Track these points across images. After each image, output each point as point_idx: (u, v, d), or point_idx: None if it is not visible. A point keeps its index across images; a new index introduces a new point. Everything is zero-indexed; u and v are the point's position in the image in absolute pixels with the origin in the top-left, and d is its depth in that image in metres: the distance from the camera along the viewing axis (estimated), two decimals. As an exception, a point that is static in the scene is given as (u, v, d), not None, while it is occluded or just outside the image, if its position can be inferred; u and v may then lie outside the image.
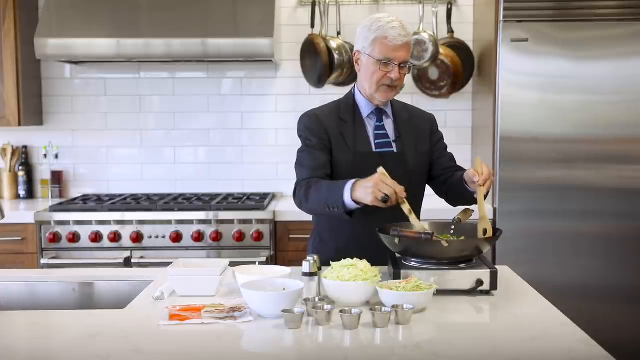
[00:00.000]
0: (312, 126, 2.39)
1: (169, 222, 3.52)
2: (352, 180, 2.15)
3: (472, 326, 1.81)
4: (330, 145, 2.37)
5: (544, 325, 1.74)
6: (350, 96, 2.47)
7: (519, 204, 3.53)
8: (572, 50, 3.48)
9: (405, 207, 2.13)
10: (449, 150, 2.57)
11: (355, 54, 2.40)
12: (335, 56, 3.91)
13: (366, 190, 2.09)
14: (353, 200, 2.13)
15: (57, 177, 4.12)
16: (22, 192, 4.12)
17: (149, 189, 4.18)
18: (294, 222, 3.48)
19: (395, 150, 2.40)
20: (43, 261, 3.48)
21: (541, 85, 3.50)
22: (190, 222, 3.52)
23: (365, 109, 2.43)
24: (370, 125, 2.42)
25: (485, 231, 2.13)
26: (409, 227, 2.17)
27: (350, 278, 1.88)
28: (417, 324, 1.75)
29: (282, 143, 4.12)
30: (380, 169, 2.13)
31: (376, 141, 2.40)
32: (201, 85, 4.16)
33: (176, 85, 4.16)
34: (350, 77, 3.99)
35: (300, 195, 2.31)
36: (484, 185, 2.14)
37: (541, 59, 3.48)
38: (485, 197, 2.28)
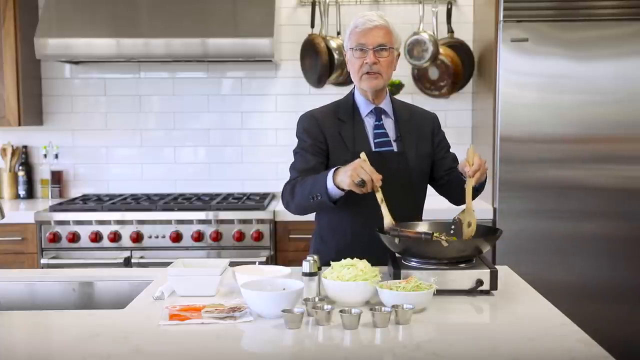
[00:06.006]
0: (308, 127, 2.40)
1: (169, 222, 3.52)
2: (334, 167, 2.17)
3: (472, 326, 1.81)
4: (327, 147, 2.37)
5: (544, 325, 1.74)
6: (350, 96, 2.47)
7: (519, 204, 3.53)
8: (572, 50, 3.48)
9: (379, 196, 2.13)
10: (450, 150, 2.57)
11: (344, 55, 2.42)
12: (335, 56, 3.91)
13: (345, 173, 2.11)
14: (335, 185, 2.14)
15: (57, 177, 4.12)
16: (22, 192, 4.12)
17: (149, 189, 4.18)
18: (293, 222, 3.47)
19: (395, 150, 2.39)
20: (43, 261, 3.48)
21: (541, 85, 3.49)
22: (190, 222, 3.52)
23: (364, 108, 2.42)
24: (369, 125, 2.41)
25: (469, 224, 2.13)
26: (409, 227, 2.18)
27: (350, 278, 1.88)
28: (417, 324, 1.75)
29: (282, 143, 4.12)
30: (362, 155, 2.15)
31: (375, 140, 2.39)
32: (201, 85, 4.15)
33: (176, 85, 4.16)
34: (350, 77, 3.98)
35: (286, 195, 2.33)
36: (473, 176, 2.14)
37: (541, 59, 3.48)
38: (480, 188, 2.28)
